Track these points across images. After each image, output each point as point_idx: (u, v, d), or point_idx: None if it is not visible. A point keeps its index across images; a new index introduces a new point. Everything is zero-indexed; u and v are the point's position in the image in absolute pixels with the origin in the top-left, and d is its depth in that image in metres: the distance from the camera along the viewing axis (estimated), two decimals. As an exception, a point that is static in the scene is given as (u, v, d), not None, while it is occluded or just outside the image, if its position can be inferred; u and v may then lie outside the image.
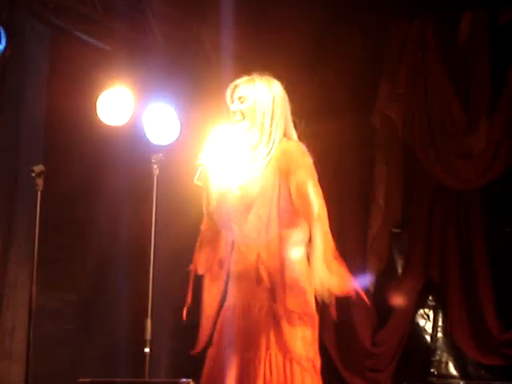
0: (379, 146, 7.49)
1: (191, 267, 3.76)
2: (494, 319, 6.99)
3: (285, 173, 3.57)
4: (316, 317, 3.58)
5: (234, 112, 3.73)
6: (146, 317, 5.08)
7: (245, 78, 3.79)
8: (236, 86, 3.78)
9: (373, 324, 7.49)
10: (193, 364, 6.62)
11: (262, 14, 6.84)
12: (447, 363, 7.35)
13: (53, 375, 6.09)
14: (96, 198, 6.61)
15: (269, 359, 3.44)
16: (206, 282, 3.76)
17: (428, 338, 7.47)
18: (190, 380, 4.79)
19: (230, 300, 3.64)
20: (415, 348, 7.45)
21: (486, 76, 7.07)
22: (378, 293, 7.46)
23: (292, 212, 3.56)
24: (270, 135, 3.67)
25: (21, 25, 6.15)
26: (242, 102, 3.73)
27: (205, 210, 3.78)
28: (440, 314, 7.44)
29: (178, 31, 6.89)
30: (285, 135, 3.71)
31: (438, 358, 7.38)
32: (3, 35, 5.80)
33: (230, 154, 3.76)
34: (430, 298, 7.52)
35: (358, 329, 7.33)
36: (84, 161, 6.46)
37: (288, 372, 3.44)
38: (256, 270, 3.55)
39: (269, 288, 3.52)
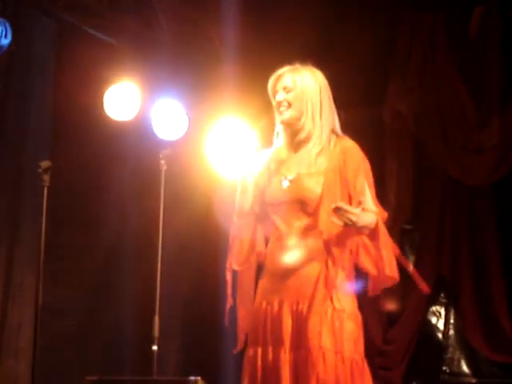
0: (390, 141, 7.44)
1: (227, 264, 3.66)
2: (506, 316, 6.95)
3: (344, 175, 3.51)
4: (360, 316, 3.55)
5: (280, 102, 3.63)
6: (153, 314, 5.06)
7: (288, 68, 3.69)
8: (280, 76, 3.68)
9: (384, 322, 7.45)
10: (201, 362, 6.63)
11: (269, 9, 6.81)
12: (459, 361, 7.31)
13: (60, 373, 6.10)
14: (103, 193, 6.61)
15: (322, 358, 3.37)
16: (241, 278, 3.68)
17: (440, 335, 7.42)
18: (199, 378, 4.75)
19: (268, 298, 3.53)
20: (427, 346, 7.40)
21: (498, 70, 7.02)
22: (389, 290, 7.41)
23: None
24: (321, 127, 3.60)
25: (27, 20, 6.17)
26: (287, 92, 3.63)
27: (241, 202, 3.67)
28: (452, 312, 7.39)
29: (185, 26, 6.88)
30: (332, 129, 3.66)
31: (449, 355, 7.34)
32: (10, 30, 5.79)
33: (277, 144, 3.71)
34: (442, 295, 7.47)
35: (368, 326, 7.26)
36: (91, 156, 6.45)
37: (340, 371, 3.39)
38: (310, 266, 3.48)
39: (320, 286, 3.45)
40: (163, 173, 5.30)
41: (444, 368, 7.31)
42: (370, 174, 3.58)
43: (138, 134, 6.61)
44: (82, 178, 6.40)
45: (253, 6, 6.69)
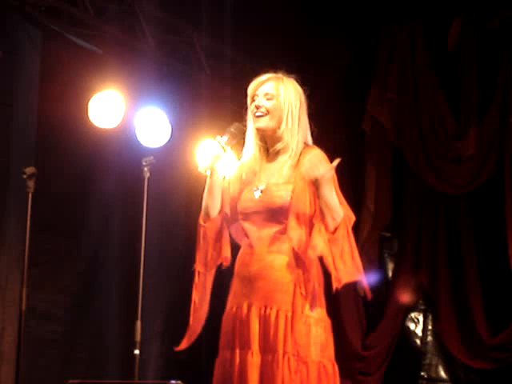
0: (369, 151, 7.51)
1: (196, 266, 3.62)
2: (483, 323, 7.02)
3: (310, 180, 3.47)
4: (329, 321, 3.54)
5: (259, 107, 3.57)
6: (135, 319, 5.08)
7: (272, 75, 3.63)
8: (262, 82, 3.61)
9: (363, 327, 7.51)
10: (182, 366, 6.66)
11: (252, 19, 6.85)
12: (437, 366, 7.37)
13: (43, 376, 6.07)
14: (87, 200, 6.60)
15: (287, 363, 3.38)
16: (201, 281, 3.63)
17: (418, 341, 7.49)
18: (179, 382, 4.80)
19: (237, 301, 3.53)
20: (405, 351, 7.47)
21: (476, 81, 7.10)
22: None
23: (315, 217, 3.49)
24: (297, 141, 3.56)
25: (12, 27, 6.13)
26: (268, 99, 3.57)
27: (206, 206, 3.65)
28: (430, 318, 7.46)
29: (169, 35, 6.89)
30: (305, 142, 3.63)
31: (427, 361, 7.41)
32: (-6, 39, 5.80)
33: (249, 152, 3.66)
34: (420, 301, 7.54)
35: (348, 332, 7.34)
36: (75, 163, 6.44)
37: (304, 376, 3.39)
38: (279, 271, 3.47)
39: (293, 293, 3.45)
40: (146, 180, 5.32)
41: (422, 373, 7.38)
42: (335, 176, 3.50)
43: (121, 142, 6.62)
44: (67, 184, 6.38)
45: (237, 16, 6.75)
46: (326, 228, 3.43)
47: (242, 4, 6.75)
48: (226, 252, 3.62)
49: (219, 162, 3.59)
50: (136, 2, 6.59)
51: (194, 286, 3.64)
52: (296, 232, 3.47)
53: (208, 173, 3.59)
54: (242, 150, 3.69)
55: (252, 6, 6.73)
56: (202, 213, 3.66)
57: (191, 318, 3.64)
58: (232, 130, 3.61)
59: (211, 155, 3.57)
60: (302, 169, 3.51)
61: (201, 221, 3.65)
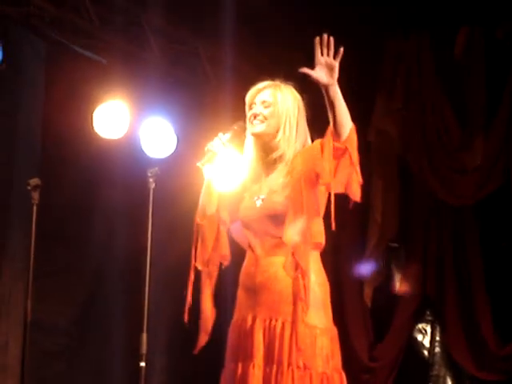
0: (375, 161, 7.48)
1: (192, 263, 3.63)
2: (491, 334, 6.98)
3: (305, 171, 3.47)
4: (335, 330, 3.52)
5: (256, 115, 3.57)
6: (141, 331, 5.06)
7: (269, 83, 3.65)
8: (260, 90, 3.63)
9: (370, 338, 7.47)
10: (186, 380, 6.64)
11: (259, 29, 6.84)
12: (445, 378, 7.33)
13: (47, 390, 6.07)
14: (92, 211, 6.61)
15: (291, 375, 3.36)
16: (203, 281, 3.65)
17: (426, 352, 7.45)
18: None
19: (242, 313, 3.52)
20: (413, 363, 7.43)
21: (482, 91, 7.06)
22: (376, 307, 7.45)
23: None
24: (294, 149, 3.56)
25: (17, 39, 6.16)
26: (265, 107, 3.58)
27: (202, 204, 3.67)
28: (437, 329, 7.42)
29: (174, 45, 6.90)
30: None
31: (435, 372, 7.36)
32: (0, 49, 5.80)
33: (248, 162, 3.65)
34: (428, 312, 7.50)
35: (354, 343, 7.31)
36: (80, 174, 6.45)
37: None
38: (283, 282, 3.46)
39: (293, 302, 3.44)
40: (151, 191, 5.30)
41: (430, 385, 7.35)
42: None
43: (126, 152, 6.62)
44: (71, 196, 6.39)
45: (243, 25, 6.73)
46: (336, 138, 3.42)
47: (247, 14, 6.74)
48: (225, 250, 3.63)
49: (218, 159, 3.59)
50: (141, 13, 6.60)
51: (188, 283, 3.62)
52: (293, 236, 3.44)
53: (205, 168, 3.60)
54: (243, 149, 3.68)
55: (257, 17, 6.73)
56: (199, 211, 3.68)
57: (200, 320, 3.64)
58: (235, 128, 3.62)
59: (210, 151, 3.58)
60: (297, 168, 3.50)
61: (197, 219, 3.66)
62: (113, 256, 6.67)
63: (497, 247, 7.12)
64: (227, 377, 3.51)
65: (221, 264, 3.66)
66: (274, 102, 3.59)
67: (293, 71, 3.53)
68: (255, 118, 3.58)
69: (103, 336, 6.56)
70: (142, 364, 4.92)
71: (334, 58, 3.41)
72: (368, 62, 7.36)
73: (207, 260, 3.63)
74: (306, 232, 3.44)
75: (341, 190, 3.47)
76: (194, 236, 3.69)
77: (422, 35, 7.24)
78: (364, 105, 7.33)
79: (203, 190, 3.68)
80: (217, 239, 3.64)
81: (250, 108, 3.63)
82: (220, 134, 3.60)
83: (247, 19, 6.77)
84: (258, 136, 3.59)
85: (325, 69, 3.39)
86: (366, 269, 7.40)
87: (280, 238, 3.47)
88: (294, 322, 3.40)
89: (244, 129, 3.63)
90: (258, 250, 3.53)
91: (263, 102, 3.60)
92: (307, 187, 3.45)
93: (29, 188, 4.88)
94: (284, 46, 6.88)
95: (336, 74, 3.39)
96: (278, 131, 3.57)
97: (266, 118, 3.57)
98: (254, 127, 3.58)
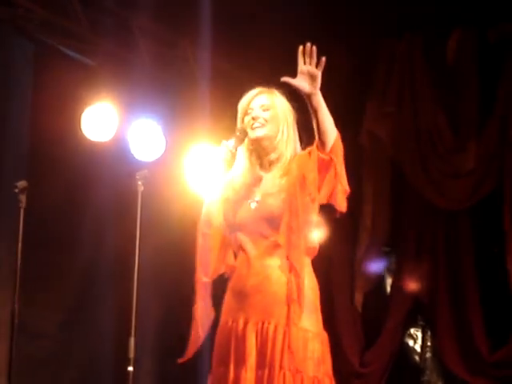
0: (367, 165, 7.46)
1: (196, 276, 3.59)
2: (482, 340, 6.96)
3: (300, 177, 3.49)
4: (326, 334, 3.51)
5: (256, 118, 3.58)
6: (129, 335, 5.03)
7: (263, 88, 3.67)
8: (255, 95, 3.64)
9: (361, 344, 7.45)
10: (175, 383, 6.60)
11: (246, 32, 6.83)
12: (436, 383, 7.32)
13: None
14: (80, 214, 6.59)
15: (282, 378, 3.34)
16: (203, 291, 3.61)
17: (417, 358, 7.44)
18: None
19: (233, 316, 3.49)
20: (404, 368, 7.42)
21: (475, 94, 7.06)
22: (367, 312, 7.43)
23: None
24: (291, 150, 3.58)
25: (5, 40, 6.14)
26: (264, 110, 3.59)
27: (208, 213, 3.63)
28: (429, 334, 7.41)
29: (163, 48, 6.90)
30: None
31: (426, 378, 7.36)
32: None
33: (241, 166, 3.65)
34: (419, 317, 7.48)
35: (345, 348, 7.28)
36: (68, 177, 6.43)
37: None
38: (277, 284, 3.44)
39: (287, 304, 3.42)
40: (140, 193, 5.28)
41: (421, 390, 7.33)
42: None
43: (115, 155, 6.61)
44: (59, 199, 6.36)
45: (231, 29, 6.71)
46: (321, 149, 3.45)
47: (239, 18, 6.73)
48: (230, 260, 3.60)
49: (227, 166, 3.59)
50: (130, 15, 6.59)
51: (197, 296, 3.60)
52: (287, 240, 3.43)
53: (218, 178, 3.59)
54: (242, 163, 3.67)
55: (249, 20, 6.72)
56: (205, 220, 3.63)
57: (195, 327, 3.59)
58: (238, 133, 3.59)
59: (221, 160, 3.55)
60: (292, 173, 3.50)
61: (205, 229, 3.62)
62: (101, 259, 6.65)
63: (489, 252, 7.10)
64: (216, 381, 3.48)
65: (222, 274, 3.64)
66: (273, 105, 3.61)
67: (287, 75, 3.52)
68: (255, 120, 3.59)
69: (91, 340, 6.53)
70: (130, 368, 4.89)
71: (317, 67, 3.42)
72: (360, 65, 7.35)
73: (212, 271, 3.61)
74: (300, 235, 3.44)
75: (324, 202, 3.50)
76: (197, 246, 3.65)
77: (414, 38, 7.22)
78: (356, 108, 7.32)
79: (208, 202, 3.64)
80: (222, 249, 3.62)
81: (246, 114, 3.63)
82: (224, 142, 3.57)
83: (239, 23, 6.75)
84: (259, 140, 3.60)
85: (307, 78, 3.42)
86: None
87: (274, 240, 3.47)
88: (287, 325, 3.39)
89: (246, 133, 3.61)
90: (252, 252, 3.50)
91: (261, 105, 3.61)
92: (302, 192, 3.46)
93: (16, 191, 4.85)
94: (275, 49, 6.86)
95: (318, 84, 3.43)
96: (277, 133, 3.59)
97: (266, 121, 3.59)
98: (255, 131, 3.59)
